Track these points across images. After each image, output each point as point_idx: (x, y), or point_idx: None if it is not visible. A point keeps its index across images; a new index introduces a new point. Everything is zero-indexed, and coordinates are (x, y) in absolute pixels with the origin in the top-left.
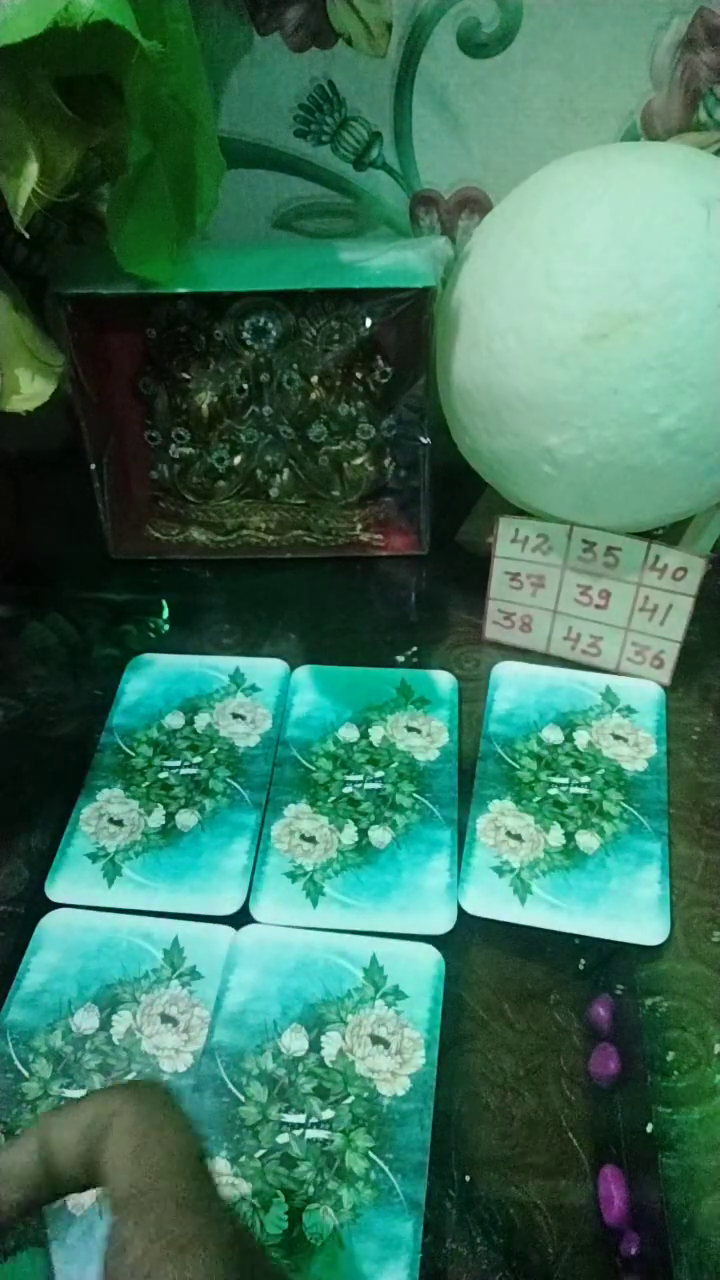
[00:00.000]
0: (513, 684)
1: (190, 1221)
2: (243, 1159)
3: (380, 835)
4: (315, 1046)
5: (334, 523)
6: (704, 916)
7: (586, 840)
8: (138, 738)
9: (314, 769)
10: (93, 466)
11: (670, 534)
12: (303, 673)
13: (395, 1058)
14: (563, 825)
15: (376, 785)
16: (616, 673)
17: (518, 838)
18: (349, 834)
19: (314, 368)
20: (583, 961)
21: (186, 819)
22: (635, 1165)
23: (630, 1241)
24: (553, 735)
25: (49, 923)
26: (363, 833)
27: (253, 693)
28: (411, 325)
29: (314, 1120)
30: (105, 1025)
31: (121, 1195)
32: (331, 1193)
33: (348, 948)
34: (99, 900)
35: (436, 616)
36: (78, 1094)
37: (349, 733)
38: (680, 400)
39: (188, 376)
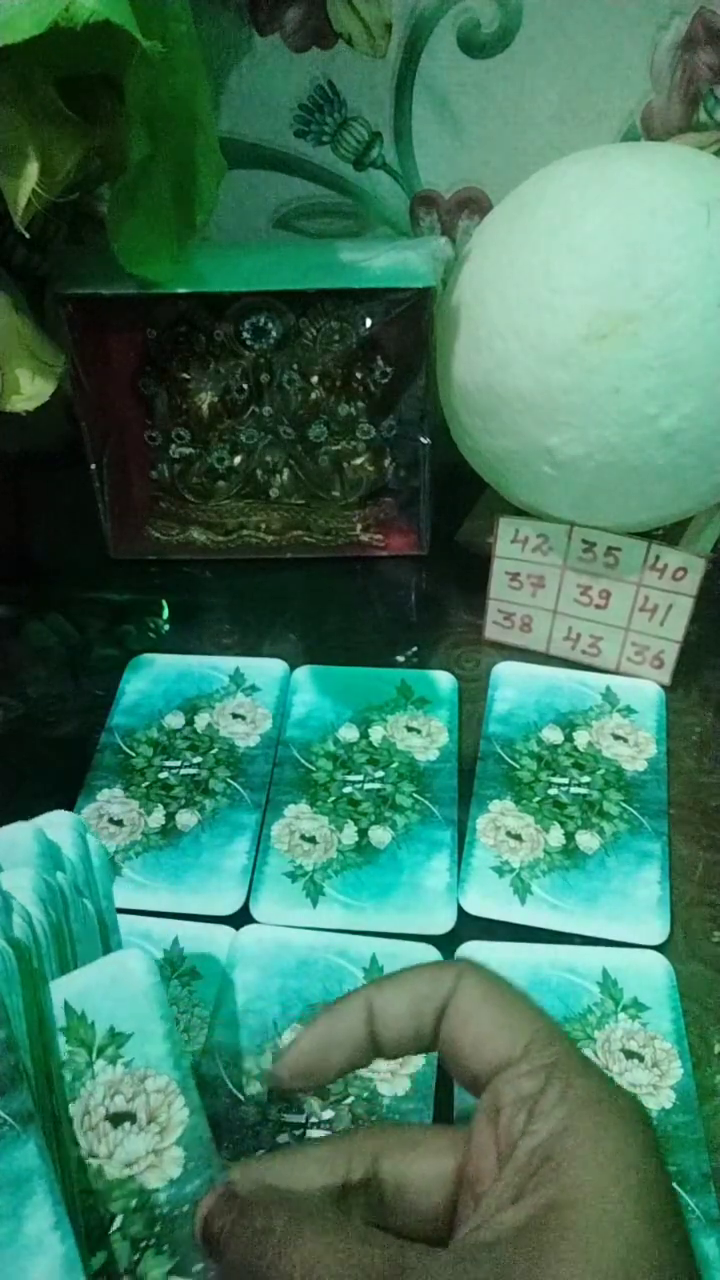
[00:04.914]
0: (513, 684)
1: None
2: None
3: (380, 835)
4: None
5: (334, 523)
6: (704, 916)
7: (586, 840)
8: (138, 738)
9: (314, 769)
10: (93, 466)
11: (670, 534)
12: (303, 673)
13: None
14: (563, 825)
15: (376, 785)
16: (616, 673)
17: (518, 838)
18: (349, 834)
19: (314, 368)
20: None
21: (186, 819)
22: None
23: None
24: (553, 735)
25: None
26: (363, 833)
27: (253, 693)
28: (411, 325)
29: (314, 1120)
30: None
31: (465, 1078)
32: None
33: (348, 948)
34: None
35: (436, 616)
36: None
37: (349, 733)
38: (680, 400)
39: (188, 376)
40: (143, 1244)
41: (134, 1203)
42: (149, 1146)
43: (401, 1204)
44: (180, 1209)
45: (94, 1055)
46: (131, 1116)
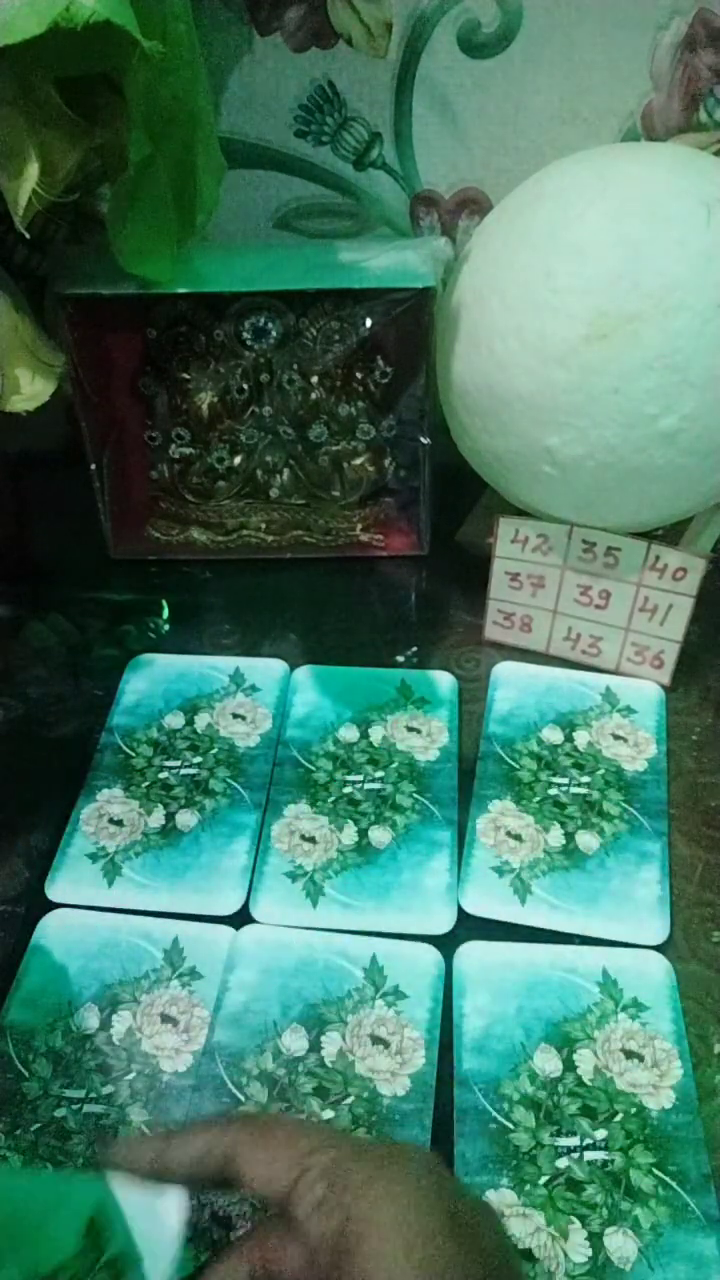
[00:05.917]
0: (513, 684)
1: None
2: None
3: (380, 835)
4: (315, 1046)
5: (334, 523)
6: (704, 916)
7: (586, 840)
8: (138, 738)
9: (314, 769)
10: (93, 466)
11: (670, 534)
12: (303, 673)
13: (395, 1058)
14: (563, 825)
15: (376, 785)
16: (616, 673)
17: (518, 838)
18: (349, 834)
19: (314, 368)
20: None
21: (186, 819)
22: None
23: None
24: (553, 735)
25: (49, 923)
26: (363, 833)
27: (253, 693)
28: (411, 325)
29: (313, 1121)
30: (105, 1025)
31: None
32: None
33: (348, 948)
34: (99, 900)
35: (436, 616)
36: (78, 1094)
37: (349, 733)
38: (680, 400)
39: (188, 376)
40: None
41: None
42: None
43: None
44: None
45: None
46: None
